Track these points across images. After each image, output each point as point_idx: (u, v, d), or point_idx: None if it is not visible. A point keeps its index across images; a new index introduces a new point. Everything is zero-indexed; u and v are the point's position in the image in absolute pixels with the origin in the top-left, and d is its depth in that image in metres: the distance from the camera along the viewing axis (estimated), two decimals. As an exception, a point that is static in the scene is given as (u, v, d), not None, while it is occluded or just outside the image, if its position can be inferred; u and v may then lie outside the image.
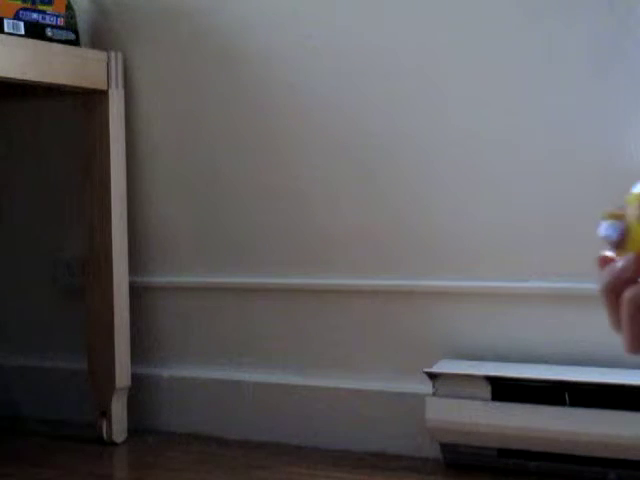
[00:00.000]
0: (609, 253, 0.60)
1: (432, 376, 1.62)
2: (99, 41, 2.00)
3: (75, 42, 1.86)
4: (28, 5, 1.77)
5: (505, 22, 1.66)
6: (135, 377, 1.94)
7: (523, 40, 1.65)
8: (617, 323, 0.58)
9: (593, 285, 1.81)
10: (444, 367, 1.64)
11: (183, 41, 1.95)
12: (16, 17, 1.74)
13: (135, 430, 1.94)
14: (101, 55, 1.88)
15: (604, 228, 0.60)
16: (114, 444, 1.89)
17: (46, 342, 2.13)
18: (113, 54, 1.89)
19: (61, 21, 1.83)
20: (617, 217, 0.60)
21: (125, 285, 1.91)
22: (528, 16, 1.64)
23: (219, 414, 1.92)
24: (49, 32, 1.80)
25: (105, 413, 1.89)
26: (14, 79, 1.70)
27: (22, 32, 1.75)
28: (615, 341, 1.76)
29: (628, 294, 0.55)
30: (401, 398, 1.74)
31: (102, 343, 1.89)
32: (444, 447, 1.64)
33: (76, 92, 1.86)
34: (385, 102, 1.74)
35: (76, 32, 1.87)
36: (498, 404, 1.57)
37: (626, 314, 0.56)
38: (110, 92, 1.88)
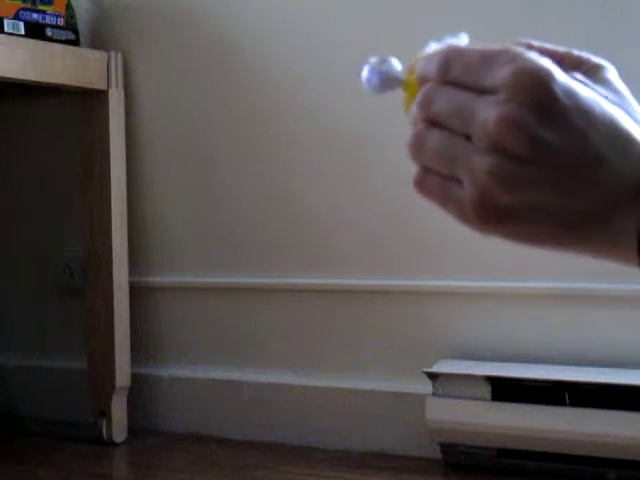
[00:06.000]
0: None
1: (432, 376, 1.62)
2: (99, 41, 2.00)
3: (75, 42, 1.86)
4: (28, 5, 1.77)
5: (502, 19, 1.66)
6: (135, 377, 1.94)
7: (519, 36, 1.65)
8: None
9: (593, 285, 1.80)
10: (444, 367, 1.64)
11: (183, 41, 1.95)
12: (16, 17, 1.74)
13: (135, 430, 1.94)
14: (101, 55, 1.88)
15: (364, 72, 0.53)
16: (114, 444, 1.89)
17: (46, 342, 2.13)
18: (113, 54, 1.89)
19: (61, 21, 1.83)
20: (382, 62, 0.53)
21: (125, 285, 1.91)
22: (523, 12, 1.64)
23: (219, 414, 1.92)
24: (49, 32, 1.80)
25: (105, 413, 1.89)
26: (14, 79, 1.70)
27: (22, 32, 1.75)
28: (615, 341, 1.76)
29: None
30: (401, 398, 1.74)
31: (102, 343, 1.89)
32: (444, 447, 1.64)
33: (76, 92, 1.86)
34: (384, 102, 1.74)
35: (76, 32, 1.87)
36: (498, 404, 1.57)
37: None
38: (110, 92, 1.88)
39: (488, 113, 0.45)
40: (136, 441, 1.91)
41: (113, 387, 1.89)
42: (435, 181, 0.49)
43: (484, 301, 1.70)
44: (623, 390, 1.48)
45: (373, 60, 0.54)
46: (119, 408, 1.91)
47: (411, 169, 0.50)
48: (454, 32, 0.52)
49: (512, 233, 0.47)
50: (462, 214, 0.47)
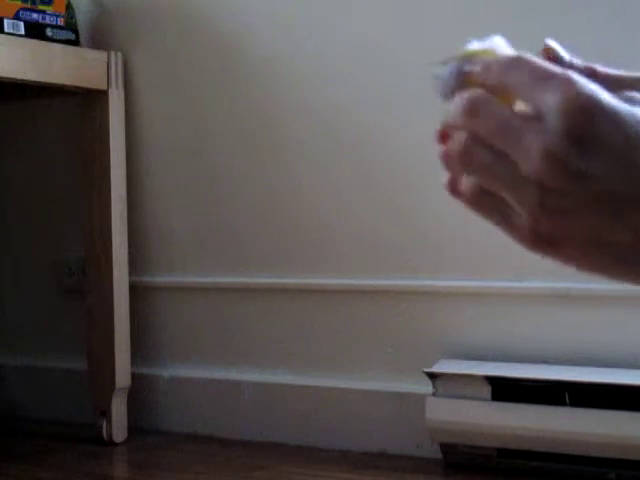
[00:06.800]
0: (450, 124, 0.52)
1: (432, 376, 1.62)
2: (99, 41, 2.00)
3: (75, 42, 1.86)
4: (28, 5, 1.77)
5: (506, 21, 1.66)
6: (135, 377, 1.94)
7: (523, 39, 1.65)
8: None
9: (593, 285, 1.80)
10: (444, 367, 1.64)
11: (183, 41, 1.95)
12: (16, 17, 1.74)
13: (135, 430, 1.94)
14: (101, 55, 1.88)
15: (437, 71, 0.52)
16: (114, 444, 1.89)
17: (46, 342, 2.13)
18: (113, 54, 1.89)
19: (61, 21, 1.83)
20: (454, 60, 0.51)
21: (125, 285, 1.91)
22: (530, 16, 1.64)
23: (219, 414, 1.92)
24: (49, 32, 1.80)
25: (105, 413, 1.89)
26: (14, 79, 1.70)
27: (22, 32, 1.75)
28: (615, 341, 1.76)
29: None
30: (401, 398, 1.74)
31: (102, 343, 1.89)
32: (444, 447, 1.64)
33: (76, 92, 1.86)
34: (387, 101, 1.74)
35: (76, 32, 1.87)
36: (498, 404, 1.57)
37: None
38: (110, 92, 1.88)
39: (532, 142, 0.45)
40: (136, 441, 1.91)
41: (113, 387, 1.89)
42: (489, 199, 0.49)
43: (484, 301, 1.70)
44: (623, 390, 1.49)
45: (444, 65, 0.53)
46: (119, 408, 1.91)
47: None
48: (470, 34, 0.52)
49: (568, 259, 0.49)
50: (518, 235, 0.49)
